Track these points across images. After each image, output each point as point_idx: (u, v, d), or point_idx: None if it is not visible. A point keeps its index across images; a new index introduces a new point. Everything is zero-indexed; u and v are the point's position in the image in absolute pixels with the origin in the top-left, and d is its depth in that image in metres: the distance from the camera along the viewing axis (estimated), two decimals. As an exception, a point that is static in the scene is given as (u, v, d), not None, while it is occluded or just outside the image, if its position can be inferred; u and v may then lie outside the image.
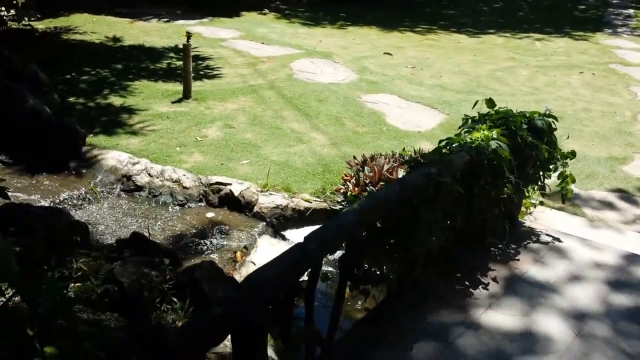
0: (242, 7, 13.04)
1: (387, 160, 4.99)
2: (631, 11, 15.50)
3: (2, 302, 2.28)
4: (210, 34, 10.70)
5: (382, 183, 4.64)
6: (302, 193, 5.06)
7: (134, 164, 5.31)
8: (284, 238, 4.65)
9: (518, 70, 9.36)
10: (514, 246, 4.07)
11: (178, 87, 7.35)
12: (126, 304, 3.31)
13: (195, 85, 7.35)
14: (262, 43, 10.21)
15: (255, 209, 4.84)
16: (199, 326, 2.01)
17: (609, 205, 5.14)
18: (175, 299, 3.35)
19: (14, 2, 9.26)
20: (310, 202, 4.93)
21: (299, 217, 4.85)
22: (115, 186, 5.13)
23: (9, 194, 3.09)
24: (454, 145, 3.32)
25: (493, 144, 3.29)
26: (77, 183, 5.15)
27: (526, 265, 3.86)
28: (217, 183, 5.08)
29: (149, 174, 5.22)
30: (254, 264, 4.15)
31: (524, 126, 3.77)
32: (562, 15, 14.52)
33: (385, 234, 2.88)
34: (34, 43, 9.24)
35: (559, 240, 4.22)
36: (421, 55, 10.03)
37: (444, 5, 15.37)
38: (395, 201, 2.73)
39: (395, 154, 5.17)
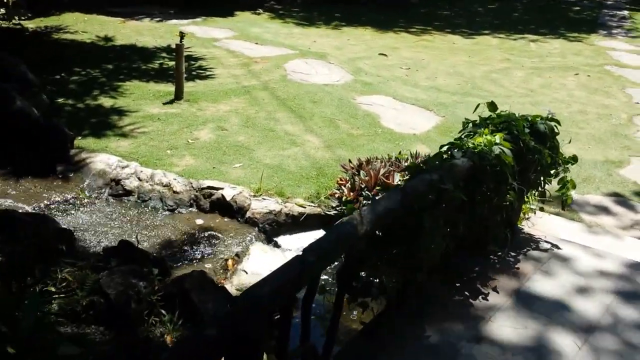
0: (236, 6, 12.90)
1: (383, 164, 4.88)
2: (626, 12, 15.47)
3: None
4: (203, 33, 10.56)
5: (378, 187, 4.51)
6: (295, 198, 4.93)
7: (123, 168, 5.17)
8: (276, 245, 4.52)
9: (513, 72, 9.28)
10: (514, 254, 3.96)
11: (170, 87, 7.21)
12: (112, 316, 3.19)
13: (188, 86, 7.21)
14: (256, 43, 10.08)
15: (248, 214, 4.71)
16: (193, 347, 1.89)
17: (606, 210, 5.05)
18: (163, 311, 3.23)
19: (4, 0, 9.09)
20: (304, 207, 4.81)
21: (292, 223, 4.73)
22: (103, 191, 4.99)
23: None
24: (455, 150, 3.20)
25: (496, 149, 3.18)
26: (64, 187, 5.00)
27: (528, 274, 3.75)
28: (209, 187, 4.94)
29: (139, 178, 5.08)
30: (246, 272, 4.03)
31: (527, 130, 3.66)
32: (556, 17, 14.47)
33: (386, 242, 2.77)
34: (24, 42, 9.07)
35: (558, 247, 4.12)
36: (416, 56, 9.93)
37: (439, 6, 15.28)
38: (398, 209, 2.61)
39: (391, 157, 5.07)
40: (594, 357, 3.04)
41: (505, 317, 3.31)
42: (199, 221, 4.66)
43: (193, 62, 8.52)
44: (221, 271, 4.06)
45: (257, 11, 13.11)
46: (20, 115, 5.54)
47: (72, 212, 4.67)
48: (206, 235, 4.46)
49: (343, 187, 4.78)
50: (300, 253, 2.28)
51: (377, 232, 2.73)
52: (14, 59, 6.99)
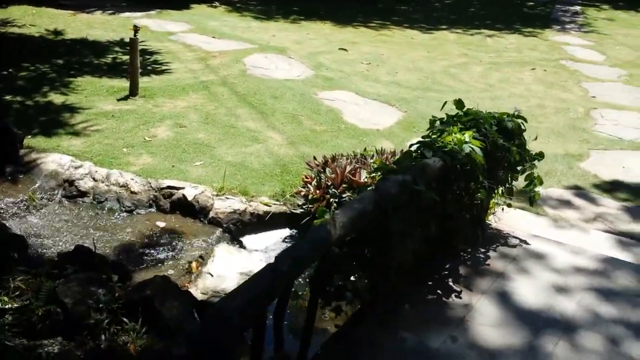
0: (191, -1, 12.61)
1: (349, 161, 4.79)
2: (578, 8, 15.83)
3: None
4: (157, 27, 10.25)
5: (345, 185, 4.43)
6: (260, 196, 4.80)
7: (76, 168, 4.92)
8: (242, 245, 4.38)
9: (471, 67, 9.34)
10: (484, 250, 3.94)
11: (124, 83, 6.93)
12: (71, 326, 3.00)
13: (143, 82, 6.95)
14: (213, 37, 9.84)
15: (211, 214, 4.55)
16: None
17: (568, 204, 5.09)
18: (126, 320, 3.06)
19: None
20: (270, 206, 4.69)
21: (258, 222, 4.60)
22: (56, 192, 4.73)
23: None
24: (425, 149, 3.14)
25: (466, 148, 3.13)
26: (14, 190, 4.72)
27: (499, 271, 3.73)
28: (169, 187, 4.75)
29: (94, 179, 4.84)
30: (212, 275, 3.88)
31: (494, 128, 3.63)
32: (511, 12, 14.67)
33: (360, 244, 2.68)
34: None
35: (527, 242, 4.13)
36: (376, 51, 9.89)
37: (397, 0, 15.30)
38: (371, 212, 2.52)
39: (357, 154, 4.98)
40: (571, 353, 3.03)
41: (478, 315, 3.28)
42: (160, 222, 4.47)
43: (148, 57, 8.24)
44: (185, 274, 3.89)
45: (214, 4, 12.83)
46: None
47: (23, 216, 4.41)
48: (168, 237, 4.28)
49: (309, 185, 4.67)
50: (272, 261, 2.16)
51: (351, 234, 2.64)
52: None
